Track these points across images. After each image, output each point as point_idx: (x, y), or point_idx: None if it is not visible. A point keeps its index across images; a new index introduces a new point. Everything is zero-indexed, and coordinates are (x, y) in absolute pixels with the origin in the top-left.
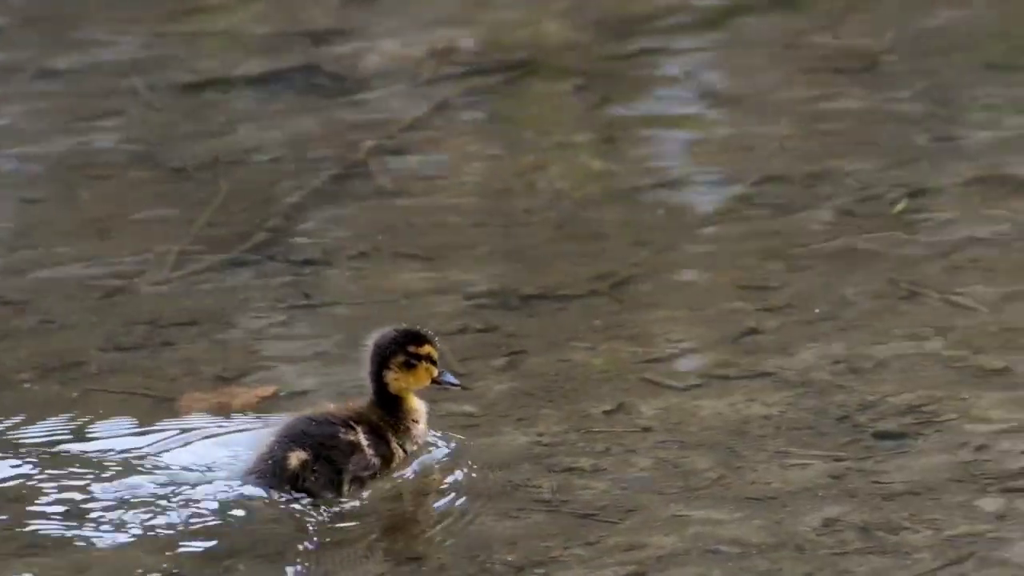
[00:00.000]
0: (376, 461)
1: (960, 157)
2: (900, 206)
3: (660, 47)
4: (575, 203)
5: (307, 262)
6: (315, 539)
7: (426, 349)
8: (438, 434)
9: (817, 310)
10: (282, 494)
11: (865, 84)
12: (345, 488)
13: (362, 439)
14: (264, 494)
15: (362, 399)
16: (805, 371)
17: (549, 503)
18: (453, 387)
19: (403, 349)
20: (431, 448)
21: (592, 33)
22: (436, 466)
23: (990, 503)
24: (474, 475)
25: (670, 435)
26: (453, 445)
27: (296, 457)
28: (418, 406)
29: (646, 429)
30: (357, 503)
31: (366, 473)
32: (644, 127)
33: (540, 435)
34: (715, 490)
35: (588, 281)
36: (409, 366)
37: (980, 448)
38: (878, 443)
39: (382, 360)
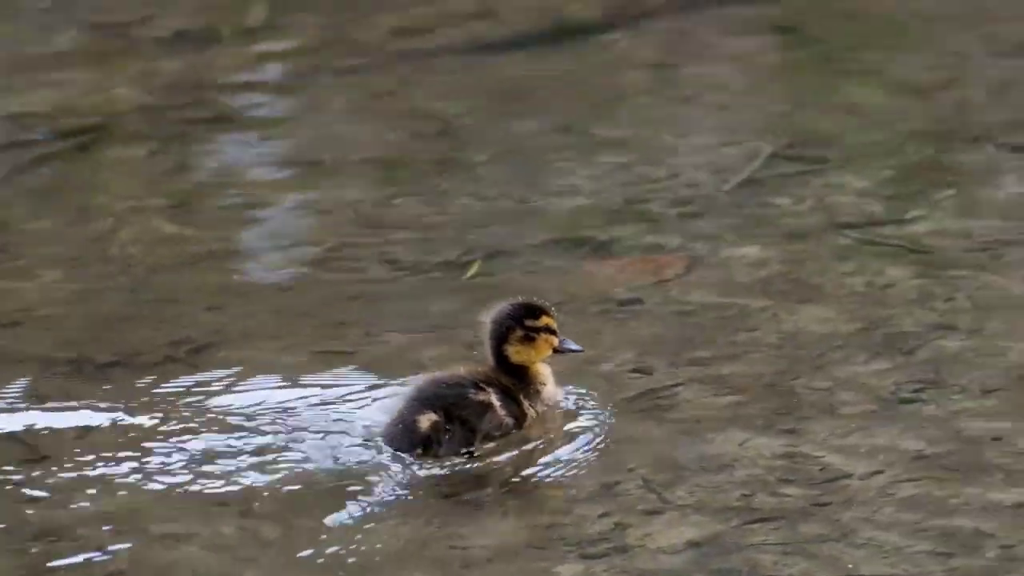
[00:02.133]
0: (509, 421)
1: (536, 220)
2: (473, 269)
3: (234, 112)
4: (148, 268)
5: None
6: (442, 499)
7: (544, 320)
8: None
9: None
10: (412, 456)
11: (440, 147)
12: (477, 446)
13: (494, 399)
14: (394, 456)
15: (487, 364)
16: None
17: None
18: (575, 352)
19: (520, 324)
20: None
21: (165, 98)
22: None
23: (568, 569)
24: None
25: (241, 504)
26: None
27: (427, 419)
28: (543, 369)
29: (222, 501)
30: (485, 464)
31: (498, 432)
32: (218, 191)
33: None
34: (281, 554)
35: (164, 347)
36: (528, 339)
37: (558, 512)
38: (456, 508)
39: (500, 336)
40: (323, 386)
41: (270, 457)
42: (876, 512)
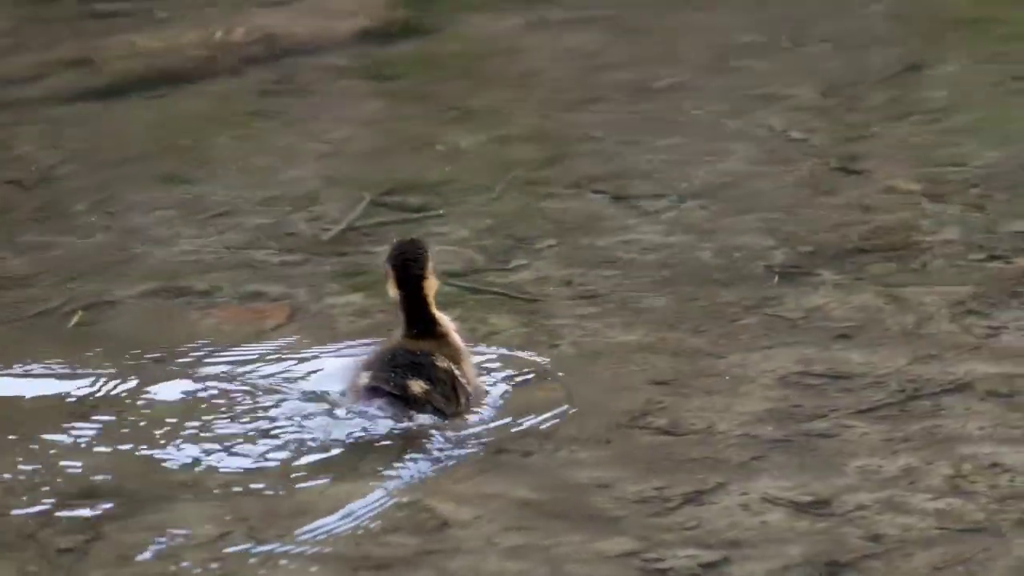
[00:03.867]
0: (468, 388)
1: (137, 269)
2: (76, 319)
3: None
4: None
5: None
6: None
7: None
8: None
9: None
10: (404, 417)
11: (39, 196)
12: (456, 408)
13: (453, 368)
14: (383, 417)
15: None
16: None
17: None
18: None
19: (429, 257)
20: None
21: None
22: None
23: None
24: None
25: None
26: None
27: (418, 385)
28: (443, 315)
29: None
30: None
31: (464, 399)
32: None
33: None
34: None
35: None
36: (435, 272)
37: (165, 558)
38: (60, 556)
39: (422, 268)
40: None
41: None
42: (483, 560)
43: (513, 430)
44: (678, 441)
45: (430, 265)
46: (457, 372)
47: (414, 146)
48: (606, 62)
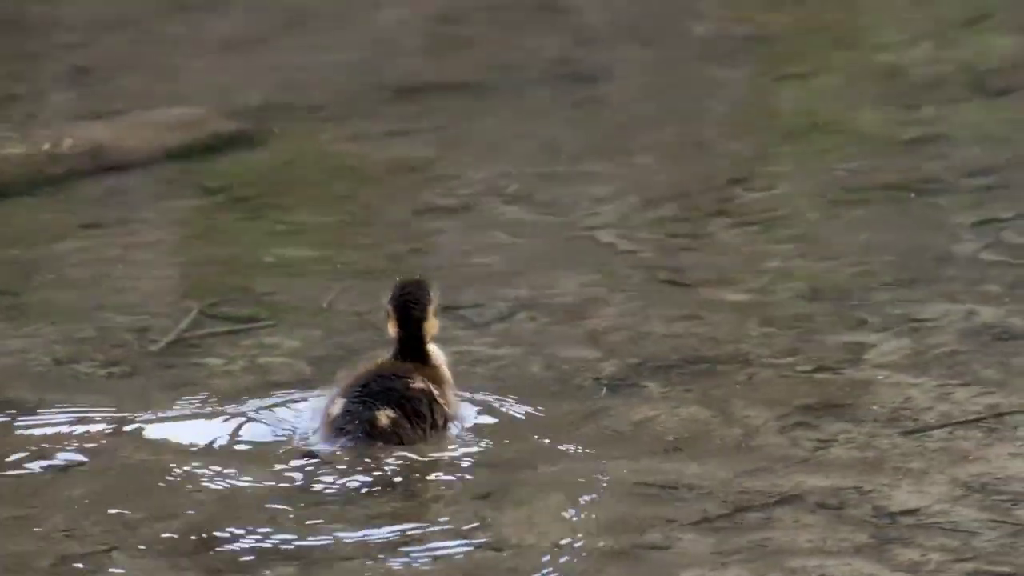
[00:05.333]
0: (448, 410)
1: None
2: None
3: None
4: None
5: None
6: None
7: None
8: None
9: None
10: (373, 449)
11: None
12: (427, 435)
13: (432, 388)
14: (352, 451)
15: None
16: None
17: None
18: None
19: (432, 300)
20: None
21: None
22: None
23: None
24: None
25: None
26: None
27: (385, 415)
28: (435, 348)
29: None
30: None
31: (442, 421)
32: None
33: None
34: None
35: None
36: (436, 314)
37: None
38: None
39: (423, 310)
40: None
41: None
42: None
43: (342, 543)
44: (510, 555)
45: (431, 308)
46: (436, 393)
47: (243, 257)
48: (434, 174)
